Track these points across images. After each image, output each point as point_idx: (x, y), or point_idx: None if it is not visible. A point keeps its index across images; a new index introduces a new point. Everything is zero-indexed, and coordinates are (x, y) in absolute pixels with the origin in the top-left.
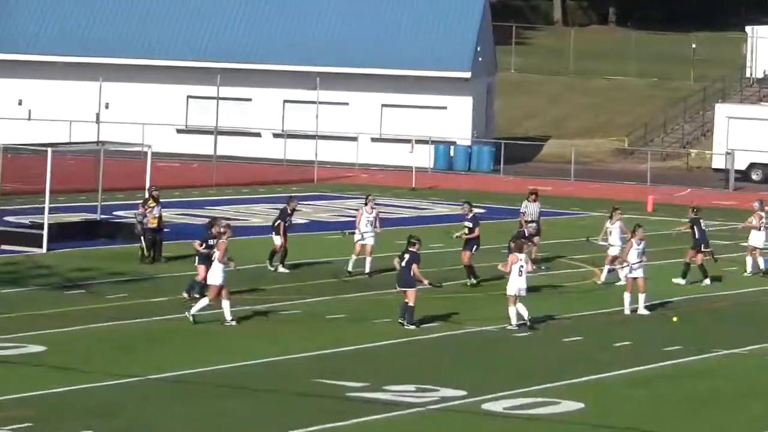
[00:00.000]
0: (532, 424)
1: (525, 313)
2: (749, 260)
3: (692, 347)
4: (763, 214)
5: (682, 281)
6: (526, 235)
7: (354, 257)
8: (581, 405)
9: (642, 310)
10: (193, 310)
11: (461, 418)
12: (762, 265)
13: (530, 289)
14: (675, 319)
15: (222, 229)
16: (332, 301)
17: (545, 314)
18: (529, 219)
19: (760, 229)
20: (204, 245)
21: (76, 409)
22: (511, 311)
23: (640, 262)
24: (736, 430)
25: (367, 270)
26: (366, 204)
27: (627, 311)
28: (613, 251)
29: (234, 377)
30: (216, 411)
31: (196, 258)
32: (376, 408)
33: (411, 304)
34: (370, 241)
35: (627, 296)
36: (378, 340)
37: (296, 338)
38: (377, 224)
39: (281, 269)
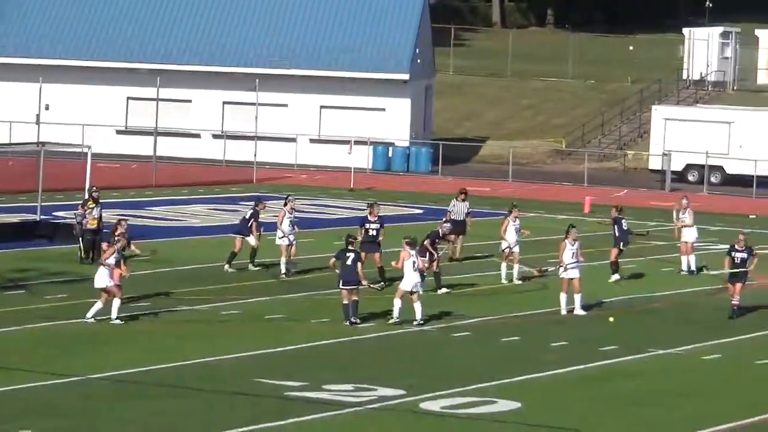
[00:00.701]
0: (470, 423)
1: (419, 313)
2: (684, 259)
3: (628, 347)
4: (686, 206)
5: (617, 276)
6: (441, 234)
7: (284, 260)
8: (518, 404)
9: (578, 311)
10: (89, 314)
11: (399, 417)
12: (692, 265)
13: (475, 289)
14: (611, 319)
15: (117, 236)
16: (271, 302)
17: (485, 315)
18: (456, 218)
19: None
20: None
21: (16, 408)
22: (396, 303)
23: (576, 262)
24: (671, 430)
25: (286, 270)
26: (286, 205)
27: (563, 311)
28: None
29: (174, 377)
30: (156, 410)
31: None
32: (315, 407)
33: (356, 299)
34: (294, 241)
35: (563, 296)
36: (316, 340)
37: (236, 338)
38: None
39: (251, 267)
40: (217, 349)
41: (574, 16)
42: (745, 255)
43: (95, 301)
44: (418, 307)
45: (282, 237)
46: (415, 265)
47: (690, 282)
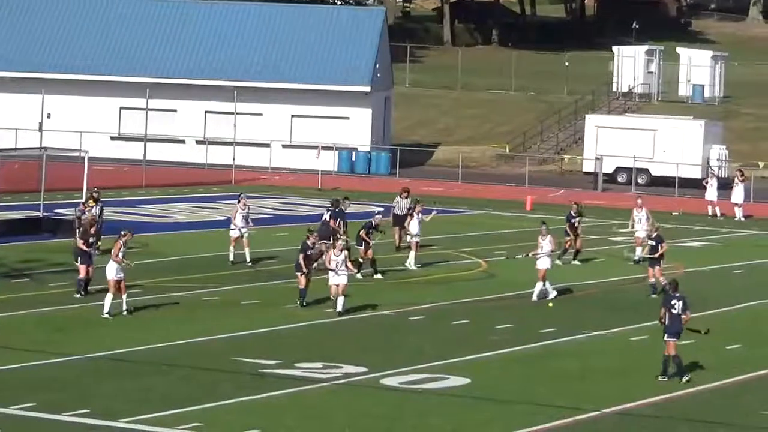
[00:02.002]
0: (425, 396)
1: (340, 305)
2: (638, 250)
3: (565, 329)
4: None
5: (558, 262)
6: (374, 224)
7: (233, 249)
8: (467, 380)
9: (535, 297)
10: (105, 310)
11: (362, 392)
12: (637, 256)
13: (425, 278)
14: (550, 304)
15: (122, 232)
16: (247, 289)
17: (438, 301)
18: (399, 213)
19: (641, 221)
20: (85, 243)
21: (18, 383)
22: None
23: (547, 253)
24: (603, 401)
25: (248, 259)
26: (239, 201)
27: (534, 298)
28: (415, 239)
29: (161, 356)
30: (145, 386)
31: (78, 257)
32: (288, 383)
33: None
34: (245, 233)
35: (539, 284)
36: (289, 323)
37: (215, 322)
38: (249, 219)
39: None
40: (199, 331)
41: (516, 35)
42: (654, 243)
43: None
44: (340, 300)
45: (234, 229)
46: (339, 263)
47: (622, 270)
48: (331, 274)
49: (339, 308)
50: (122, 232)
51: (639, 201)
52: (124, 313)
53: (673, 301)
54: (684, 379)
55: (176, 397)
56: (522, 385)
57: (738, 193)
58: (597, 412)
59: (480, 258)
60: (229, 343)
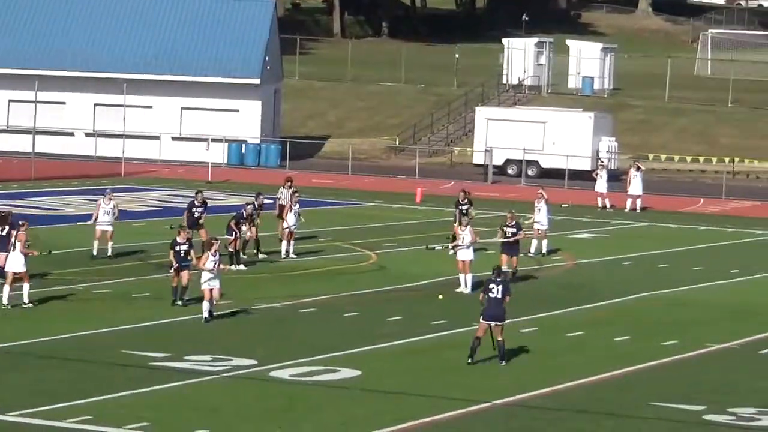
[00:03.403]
0: (315, 388)
1: (206, 309)
2: (534, 242)
3: (455, 321)
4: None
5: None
6: (244, 215)
7: (96, 243)
8: (358, 372)
9: (465, 289)
10: (4, 301)
11: (251, 384)
12: (544, 249)
13: (315, 271)
14: (440, 297)
15: (21, 222)
16: (137, 282)
17: (328, 293)
18: (283, 203)
19: (540, 211)
20: None
21: None
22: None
23: (467, 246)
24: (493, 393)
25: (109, 253)
26: (105, 196)
27: (460, 289)
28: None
29: (52, 349)
30: (36, 379)
31: None
32: (178, 375)
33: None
34: (108, 228)
35: (462, 276)
36: (178, 316)
37: (106, 314)
38: (116, 215)
39: (260, 255)
40: (90, 323)
41: (406, 28)
42: (514, 230)
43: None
44: (206, 305)
45: (100, 224)
46: (215, 263)
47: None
48: (204, 275)
49: (205, 314)
50: (20, 222)
51: (540, 191)
52: (29, 305)
53: (491, 286)
54: (503, 362)
55: (67, 390)
56: (413, 377)
57: (636, 185)
58: (488, 404)
59: (370, 250)
60: (119, 336)
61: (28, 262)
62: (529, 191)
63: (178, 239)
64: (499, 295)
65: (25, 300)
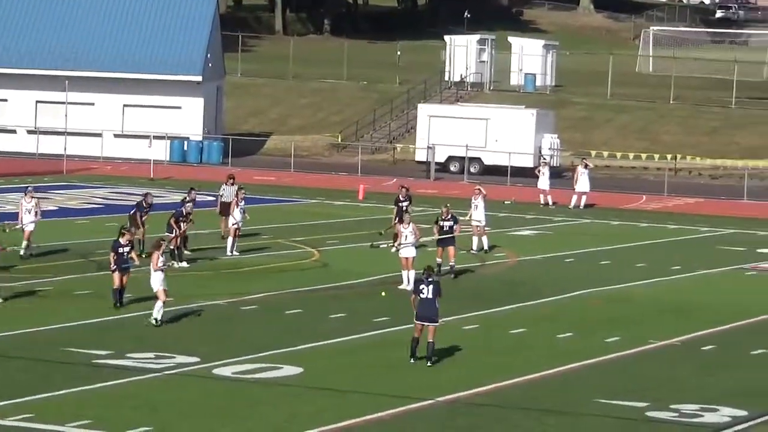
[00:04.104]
0: (257, 386)
1: (156, 312)
2: (475, 239)
3: (398, 318)
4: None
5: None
6: (184, 213)
7: (25, 242)
8: (300, 370)
9: (405, 285)
10: None
11: (194, 381)
12: (485, 245)
13: (257, 268)
14: (383, 293)
15: None
16: (79, 279)
17: (270, 290)
18: (225, 200)
19: (476, 207)
20: None
21: None
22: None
23: (410, 243)
24: (435, 390)
25: (22, 253)
26: (26, 195)
27: (403, 286)
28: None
29: None
30: None
31: None
32: (121, 373)
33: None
34: (30, 227)
35: (404, 273)
36: (120, 314)
37: (48, 312)
38: (38, 213)
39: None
40: (32, 321)
41: (348, 25)
42: (451, 223)
43: None
44: (158, 305)
45: (26, 223)
46: (160, 265)
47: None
48: (158, 276)
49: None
50: None
51: (478, 188)
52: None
53: (422, 286)
54: (429, 363)
55: (8, 388)
56: (355, 374)
57: (583, 182)
58: (430, 401)
59: (313, 247)
60: (61, 333)
61: None
62: (472, 188)
63: (121, 241)
64: (431, 296)
65: None
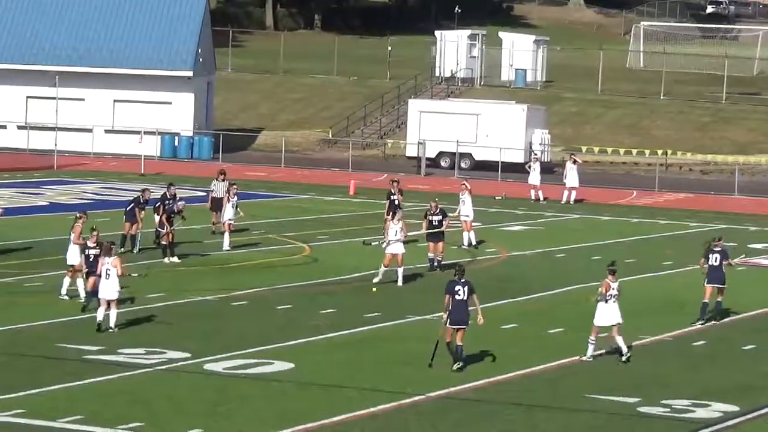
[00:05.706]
0: (249, 381)
1: (111, 319)
2: (465, 235)
3: (389, 314)
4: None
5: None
6: (176, 210)
7: None
8: (292, 365)
9: (398, 282)
10: None
11: (186, 377)
12: (473, 240)
13: (248, 263)
14: (374, 289)
15: None
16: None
17: (261, 286)
18: (216, 195)
19: (464, 203)
20: None
21: None
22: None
23: (399, 240)
24: (426, 385)
25: None
26: None
27: (377, 279)
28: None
29: None
30: None
31: None
32: (112, 368)
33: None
34: None
35: (383, 268)
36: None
37: (38, 307)
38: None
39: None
40: (22, 316)
41: (339, 20)
42: (440, 217)
43: None
44: (112, 314)
45: None
46: (110, 273)
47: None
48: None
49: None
50: None
51: (464, 183)
52: None
53: (457, 287)
54: (458, 366)
55: (1, 385)
56: (346, 370)
57: (572, 178)
58: (421, 396)
59: (304, 243)
60: (52, 329)
61: None
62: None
63: (89, 243)
64: (465, 297)
65: None
